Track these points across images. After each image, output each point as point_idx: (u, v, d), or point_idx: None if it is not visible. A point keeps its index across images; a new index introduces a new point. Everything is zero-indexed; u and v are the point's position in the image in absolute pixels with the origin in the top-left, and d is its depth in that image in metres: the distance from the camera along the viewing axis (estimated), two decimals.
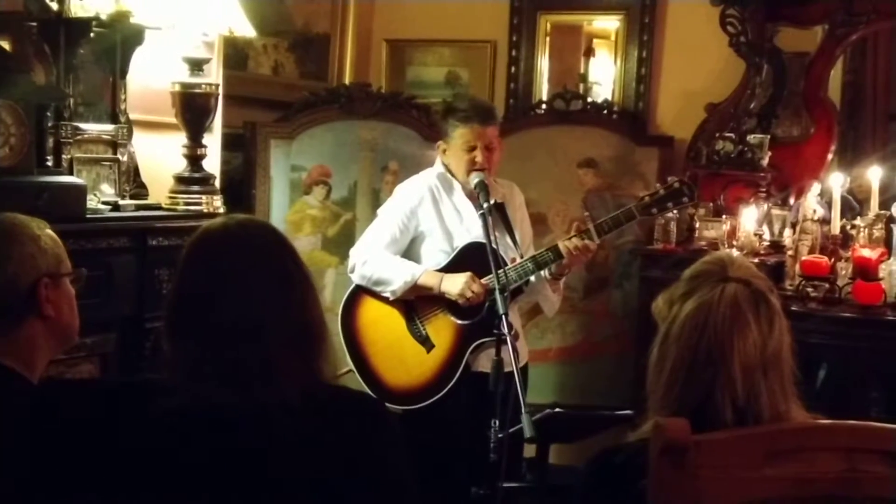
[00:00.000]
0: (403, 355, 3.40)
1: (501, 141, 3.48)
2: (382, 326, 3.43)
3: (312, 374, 1.70)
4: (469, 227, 3.38)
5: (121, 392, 1.82)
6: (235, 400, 1.62)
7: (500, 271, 3.09)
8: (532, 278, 3.37)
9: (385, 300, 3.40)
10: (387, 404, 3.23)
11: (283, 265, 1.74)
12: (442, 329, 3.39)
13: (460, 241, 3.39)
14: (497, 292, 2.95)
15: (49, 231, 2.01)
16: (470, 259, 3.31)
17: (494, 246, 3.08)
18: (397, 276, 3.35)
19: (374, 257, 3.38)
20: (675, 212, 4.01)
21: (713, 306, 1.76)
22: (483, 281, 3.26)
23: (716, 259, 1.86)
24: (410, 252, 3.45)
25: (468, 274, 3.28)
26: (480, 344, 3.33)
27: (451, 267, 3.36)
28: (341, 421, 1.68)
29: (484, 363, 3.27)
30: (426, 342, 3.39)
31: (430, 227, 3.42)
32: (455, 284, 3.29)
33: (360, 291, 3.46)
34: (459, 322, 3.36)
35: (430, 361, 3.37)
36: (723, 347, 1.75)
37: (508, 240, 3.41)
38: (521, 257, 3.36)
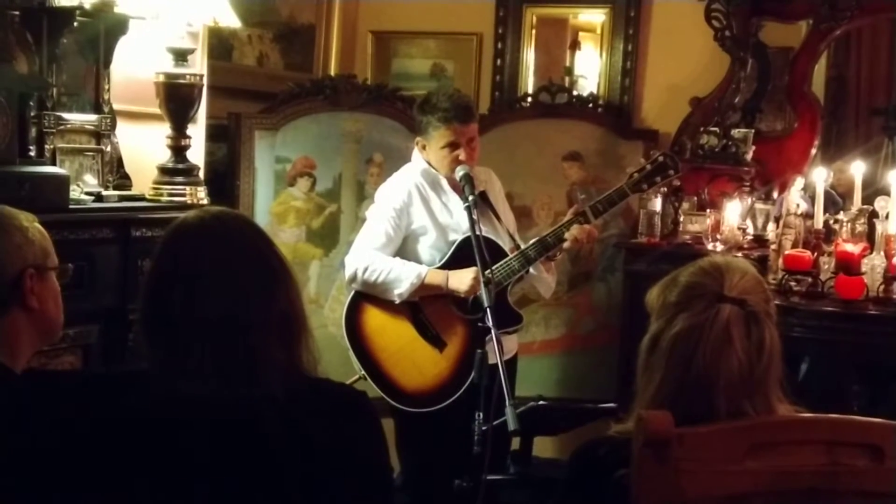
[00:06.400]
0: (416, 357, 3.35)
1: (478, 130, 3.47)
2: (391, 331, 3.37)
3: (294, 366, 1.70)
4: (460, 221, 3.35)
5: (102, 384, 1.82)
6: (217, 393, 1.62)
7: (501, 263, 3.21)
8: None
9: (388, 304, 3.34)
10: (405, 406, 3.29)
11: (260, 256, 1.73)
12: (452, 327, 3.35)
13: (454, 237, 3.37)
14: (482, 285, 2.93)
15: (38, 225, 2.01)
16: (468, 254, 3.22)
17: (478, 234, 3.05)
18: (403, 278, 3.30)
19: (375, 262, 3.32)
20: (664, 189, 4.02)
21: (705, 331, 1.76)
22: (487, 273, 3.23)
23: (714, 269, 1.83)
24: (402, 252, 3.40)
25: (475, 269, 3.19)
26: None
27: (450, 264, 3.34)
28: (323, 412, 1.68)
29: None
30: (438, 342, 3.35)
31: (423, 226, 3.39)
32: (463, 282, 3.26)
33: (360, 299, 3.39)
34: (469, 317, 3.32)
35: (444, 361, 3.34)
36: (710, 375, 1.75)
37: (501, 229, 3.40)
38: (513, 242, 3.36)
